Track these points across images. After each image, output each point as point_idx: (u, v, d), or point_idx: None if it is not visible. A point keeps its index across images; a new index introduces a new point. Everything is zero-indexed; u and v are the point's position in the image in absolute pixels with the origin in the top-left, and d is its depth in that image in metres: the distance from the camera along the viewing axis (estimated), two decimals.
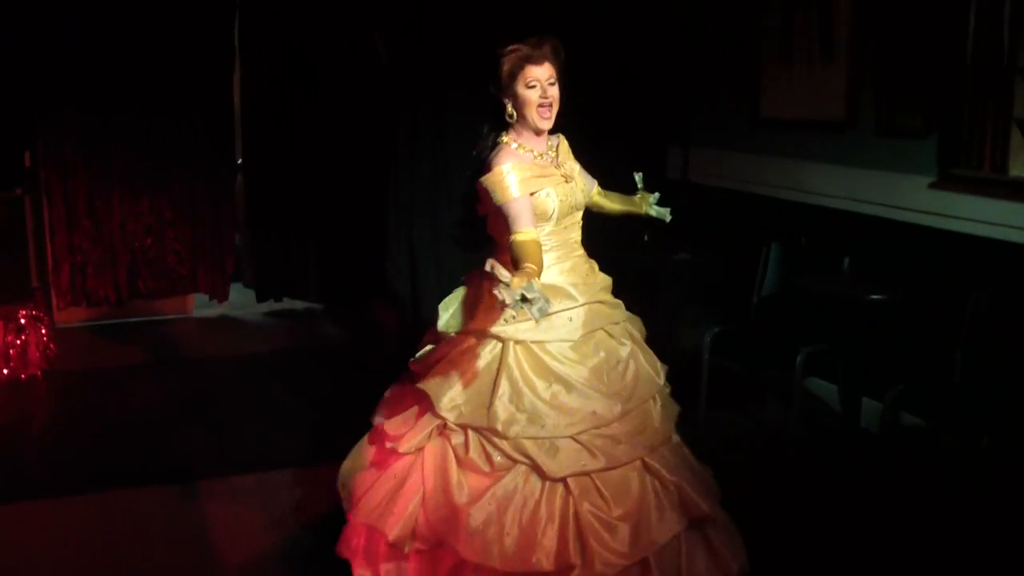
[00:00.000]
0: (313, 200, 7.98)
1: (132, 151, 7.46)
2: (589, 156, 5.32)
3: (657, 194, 4.36)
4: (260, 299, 8.17)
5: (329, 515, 4.38)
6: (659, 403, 3.79)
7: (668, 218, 4.33)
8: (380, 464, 3.77)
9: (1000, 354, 4.66)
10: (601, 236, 4.40)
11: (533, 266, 3.29)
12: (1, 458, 5.28)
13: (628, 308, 4.06)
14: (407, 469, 3.66)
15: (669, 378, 3.99)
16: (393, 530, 3.57)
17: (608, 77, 7.08)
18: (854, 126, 5.66)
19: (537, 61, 3.61)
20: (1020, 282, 4.70)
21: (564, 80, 3.69)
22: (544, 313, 3.06)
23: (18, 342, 6.42)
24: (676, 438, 3.86)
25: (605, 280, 3.90)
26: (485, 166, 3.63)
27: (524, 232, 3.47)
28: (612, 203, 4.24)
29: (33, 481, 4.99)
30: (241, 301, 8.27)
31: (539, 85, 3.61)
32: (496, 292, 3.04)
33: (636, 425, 3.65)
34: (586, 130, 7.04)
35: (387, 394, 3.96)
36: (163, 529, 4.48)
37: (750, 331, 5.71)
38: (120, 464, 5.18)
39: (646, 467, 3.62)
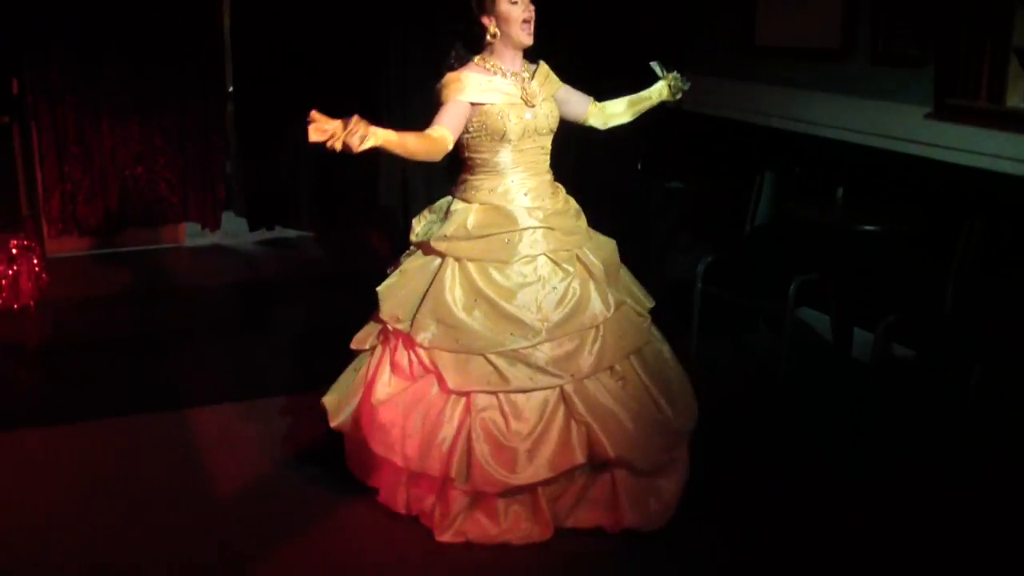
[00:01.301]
0: (304, 127, 7.87)
1: (120, 77, 7.37)
2: (584, 84, 5.26)
3: (676, 73, 4.38)
4: (252, 228, 8.13)
5: (322, 442, 4.42)
6: (601, 333, 3.79)
7: (687, 86, 4.39)
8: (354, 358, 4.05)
9: (992, 286, 4.66)
10: (595, 164, 4.39)
11: (392, 133, 3.51)
12: None
13: (620, 235, 4.08)
14: (361, 364, 3.96)
15: (658, 304, 4.05)
16: (335, 419, 3.93)
17: (603, 4, 7.00)
18: (849, 55, 5.61)
19: None
20: (1014, 214, 4.69)
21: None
22: (362, 140, 3.46)
23: (10, 272, 6.39)
24: (621, 370, 3.83)
25: (567, 204, 3.99)
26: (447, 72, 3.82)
27: (435, 127, 3.68)
28: (619, 115, 4.28)
29: (26, 410, 5.00)
30: (233, 230, 8.23)
31: (521, 2, 3.73)
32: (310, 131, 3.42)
33: (563, 353, 3.72)
34: (580, 58, 7.03)
35: None
36: (156, 456, 4.51)
37: (742, 260, 5.71)
38: (113, 392, 5.19)
39: (563, 396, 3.70)
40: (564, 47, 6.83)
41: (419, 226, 4.01)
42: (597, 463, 3.74)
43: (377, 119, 6.97)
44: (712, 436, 4.56)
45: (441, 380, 3.68)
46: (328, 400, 3.97)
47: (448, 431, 3.66)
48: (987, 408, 4.51)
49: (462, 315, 3.69)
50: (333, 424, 3.89)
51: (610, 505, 3.82)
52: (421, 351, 3.72)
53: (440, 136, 3.68)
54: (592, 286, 3.83)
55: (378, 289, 3.90)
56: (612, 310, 3.82)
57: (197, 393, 5.15)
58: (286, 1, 7.57)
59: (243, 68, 7.79)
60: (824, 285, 5.45)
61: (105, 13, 7.19)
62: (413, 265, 3.90)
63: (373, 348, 3.92)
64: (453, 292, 3.72)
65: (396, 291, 3.85)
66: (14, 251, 6.40)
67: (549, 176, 3.97)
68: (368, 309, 4.04)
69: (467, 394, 3.66)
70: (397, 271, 3.95)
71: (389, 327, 3.82)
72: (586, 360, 3.73)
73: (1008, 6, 4.71)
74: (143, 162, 7.61)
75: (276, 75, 7.71)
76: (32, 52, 7.11)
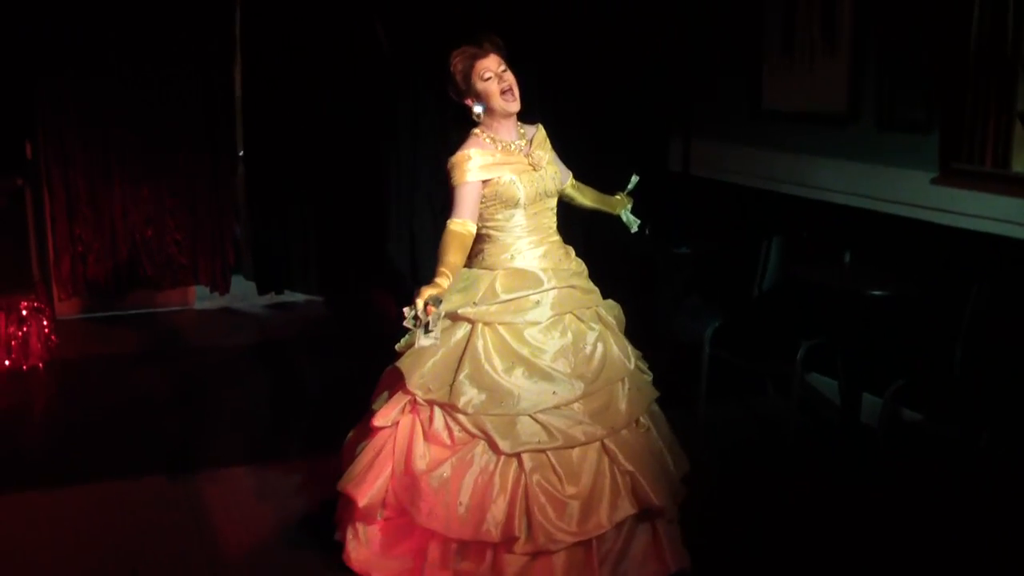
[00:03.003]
0: (313, 190, 7.96)
1: (133, 140, 7.43)
2: (590, 147, 5.31)
3: (631, 202, 4.49)
4: (261, 291, 8.15)
5: (328, 505, 4.40)
6: (627, 386, 3.90)
7: (634, 228, 4.48)
8: (364, 437, 3.96)
9: (1000, 349, 4.65)
10: (605, 228, 4.43)
11: (447, 274, 3.62)
12: (2, 448, 5.28)
13: (628, 299, 4.13)
14: (383, 441, 3.84)
15: (666, 368, 4.08)
16: (364, 498, 3.76)
17: (611, 69, 7.07)
18: (856, 119, 5.65)
19: (483, 55, 3.84)
20: (1021, 278, 4.70)
21: (515, 67, 3.90)
22: (431, 342, 3.48)
23: (20, 333, 6.42)
24: (645, 422, 3.95)
25: (579, 266, 4.08)
26: (456, 148, 3.88)
27: (458, 222, 3.76)
28: (584, 198, 4.38)
29: (33, 471, 4.99)
30: (242, 293, 8.25)
31: (493, 74, 3.82)
32: (405, 309, 3.43)
33: (599, 406, 3.79)
34: (588, 122, 7.09)
35: (382, 376, 4.10)
36: (162, 519, 4.49)
37: (750, 324, 5.71)
38: (120, 454, 5.18)
39: (605, 449, 3.76)
40: (570, 113, 6.91)
41: None
42: (643, 512, 3.78)
43: (386, 181, 7.07)
44: (720, 500, 4.54)
45: (492, 443, 3.67)
46: (350, 483, 3.83)
47: (502, 495, 3.65)
48: (996, 472, 4.49)
49: (503, 378, 3.71)
50: (363, 503, 3.76)
51: (655, 555, 3.87)
52: (463, 418, 3.69)
53: (468, 232, 3.78)
54: (613, 341, 3.93)
55: (399, 364, 3.86)
56: (632, 364, 3.94)
57: (205, 456, 5.13)
58: (297, 65, 7.66)
59: (254, 131, 7.86)
60: (832, 349, 5.44)
61: (119, 76, 7.27)
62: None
63: (396, 422, 3.84)
64: (490, 357, 3.74)
65: (421, 363, 3.80)
66: (24, 312, 6.44)
67: (558, 238, 4.04)
68: (377, 371, 4.04)
69: (517, 455, 3.67)
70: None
71: (419, 399, 3.77)
72: (620, 412, 3.82)
73: (1012, 72, 4.75)
74: (153, 225, 7.65)
75: (286, 139, 7.78)
76: (46, 115, 7.19)
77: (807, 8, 5.90)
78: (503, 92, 3.83)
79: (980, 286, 4.75)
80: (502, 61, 3.85)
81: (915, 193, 5.26)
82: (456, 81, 3.87)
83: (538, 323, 3.80)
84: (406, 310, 3.44)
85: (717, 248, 6.42)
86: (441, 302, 3.51)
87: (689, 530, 4.08)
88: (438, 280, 3.58)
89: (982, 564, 4.11)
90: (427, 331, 3.45)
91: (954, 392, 4.77)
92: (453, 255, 3.70)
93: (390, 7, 7.10)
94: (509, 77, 3.84)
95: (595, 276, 4.13)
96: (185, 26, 7.34)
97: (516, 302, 3.80)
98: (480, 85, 3.82)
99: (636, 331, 4.18)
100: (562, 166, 4.20)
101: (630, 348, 4.01)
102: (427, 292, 3.49)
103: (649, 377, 4.07)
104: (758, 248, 5.77)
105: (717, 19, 6.73)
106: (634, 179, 4.45)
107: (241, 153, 8.00)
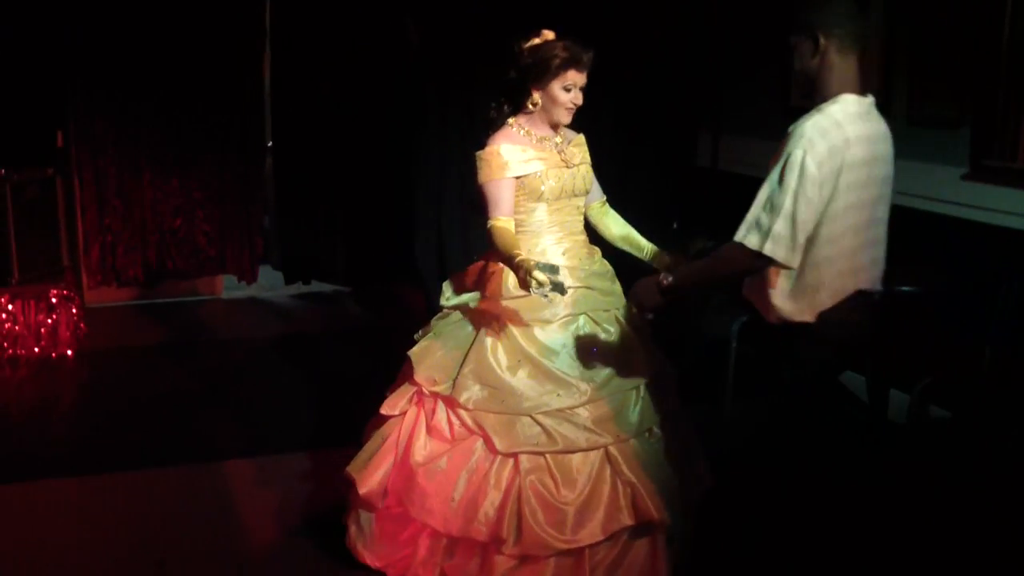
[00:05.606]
0: (342, 182, 7.98)
1: (162, 131, 7.49)
2: (619, 142, 5.26)
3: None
4: (288, 281, 8.19)
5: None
6: (642, 394, 3.79)
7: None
8: (375, 426, 3.95)
9: None
10: (632, 223, 4.39)
11: (521, 253, 3.51)
12: (30, 436, 5.34)
13: None
14: (390, 431, 3.83)
15: (692, 364, 4.00)
16: (364, 485, 3.74)
17: (639, 64, 7.05)
18: (886, 115, 5.58)
19: (581, 68, 3.73)
20: None
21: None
22: (562, 290, 3.35)
23: (49, 321, 6.48)
24: (659, 432, 3.83)
25: (603, 266, 3.98)
26: (485, 142, 3.81)
27: (501, 219, 3.70)
28: (612, 228, 4.16)
29: (61, 459, 5.04)
30: (270, 283, 8.30)
31: (574, 90, 3.75)
32: (535, 293, 3.32)
33: (607, 413, 3.68)
34: (618, 117, 7.08)
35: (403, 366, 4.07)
36: (188, 508, 4.52)
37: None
38: (147, 443, 5.22)
39: (608, 457, 3.65)
40: (599, 108, 6.89)
41: (450, 290, 3.99)
42: (642, 525, 3.65)
43: (414, 173, 7.08)
44: (744, 495, 4.53)
45: (488, 441, 3.61)
46: (354, 468, 3.83)
47: (495, 494, 3.58)
48: None
49: (507, 376, 3.65)
50: (363, 491, 3.73)
51: (649, 570, 3.70)
52: (464, 413, 3.65)
53: (512, 228, 3.72)
54: (631, 347, 3.82)
55: (410, 353, 3.85)
56: (651, 371, 3.82)
57: (231, 445, 5.17)
58: (326, 58, 7.68)
59: (282, 123, 7.89)
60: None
61: (148, 67, 7.32)
62: (447, 328, 3.88)
63: (404, 412, 3.83)
64: (496, 353, 3.68)
65: (431, 354, 3.80)
66: (54, 300, 6.49)
67: (583, 237, 3.96)
68: (401, 366, 4.04)
69: (514, 455, 3.60)
70: (430, 334, 3.91)
71: (425, 390, 3.76)
72: (629, 421, 3.72)
73: None
74: (182, 215, 7.70)
75: (315, 130, 7.81)
76: (77, 106, 7.24)
77: None
78: (568, 109, 3.77)
79: (1010, 283, 4.71)
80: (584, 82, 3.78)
81: (945, 189, 5.22)
82: (549, 65, 3.70)
83: (549, 322, 3.72)
84: (535, 283, 3.30)
85: None
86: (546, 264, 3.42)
87: (713, 527, 4.06)
88: (520, 258, 3.46)
89: (1011, 562, 4.08)
90: (557, 290, 3.35)
91: (983, 389, 4.73)
92: (515, 247, 3.59)
93: (420, 2, 7.10)
94: (580, 100, 3.77)
95: (622, 272, 4.06)
96: (215, 18, 7.37)
97: (528, 299, 3.64)
98: (557, 89, 3.72)
99: (663, 327, 4.14)
100: (595, 185, 4.07)
101: (651, 355, 3.91)
102: (531, 261, 3.40)
103: (673, 384, 3.99)
104: None
105: (747, 13, 6.70)
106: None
107: (270, 144, 8.02)
